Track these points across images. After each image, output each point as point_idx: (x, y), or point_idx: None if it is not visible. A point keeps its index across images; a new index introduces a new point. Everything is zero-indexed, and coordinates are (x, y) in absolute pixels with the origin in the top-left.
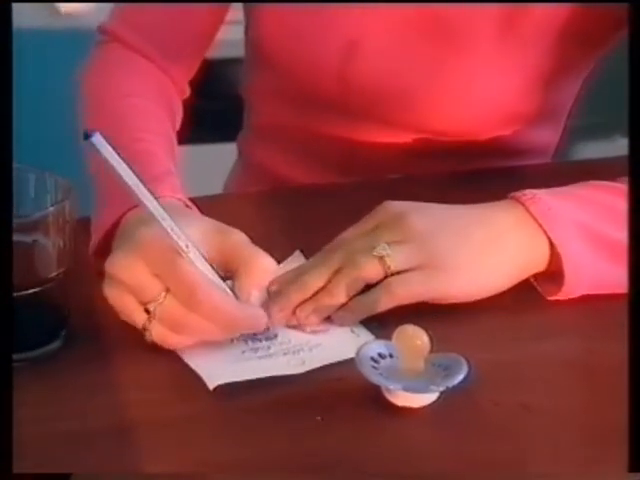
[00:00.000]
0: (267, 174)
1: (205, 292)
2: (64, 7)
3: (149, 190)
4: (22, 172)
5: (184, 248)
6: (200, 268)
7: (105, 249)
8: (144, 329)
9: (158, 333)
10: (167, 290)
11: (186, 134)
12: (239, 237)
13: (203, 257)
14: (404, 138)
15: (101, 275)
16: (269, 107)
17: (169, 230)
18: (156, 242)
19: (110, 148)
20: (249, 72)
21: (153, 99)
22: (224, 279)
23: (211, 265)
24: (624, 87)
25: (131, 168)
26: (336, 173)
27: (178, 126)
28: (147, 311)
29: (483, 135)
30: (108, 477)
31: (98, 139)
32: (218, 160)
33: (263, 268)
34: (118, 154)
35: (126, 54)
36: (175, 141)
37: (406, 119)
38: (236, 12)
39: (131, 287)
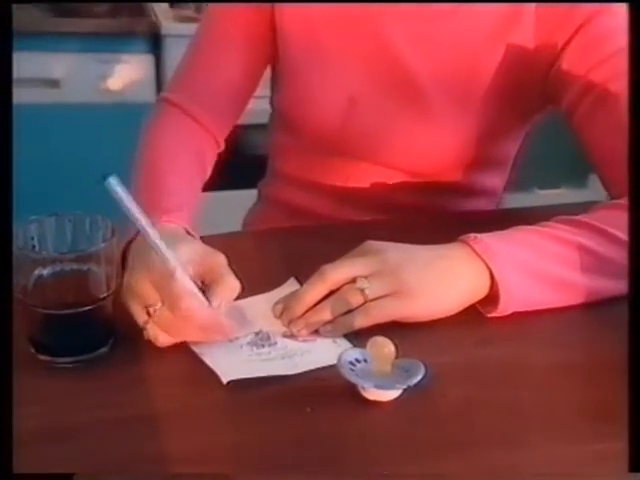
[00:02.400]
0: (279, 208)
1: (186, 303)
2: (112, 83)
3: (152, 227)
4: (79, 216)
5: (170, 267)
6: (185, 285)
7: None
8: (144, 326)
9: (152, 331)
10: (162, 301)
11: (222, 182)
12: (220, 259)
13: (188, 276)
14: (383, 174)
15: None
16: (284, 157)
17: (162, 256)
18: (160, 265)
19: (121, 190)
20: (273, 132)
21: (189, 155)
22: (204, 292)
23: (194, 282)
24: (541, 149)
25: (139, 210)
26: (335, 201)
27: (209, 174)
28: (148, 313)
29: (443, 176)
30: (111, 477)
31: (112, 182)
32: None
33: (230, 286)
34: (128, 196)
35: (178, 116)
36: (198, 189)
37: (385, 160)
38: (262, 89)
39: (138, 294)
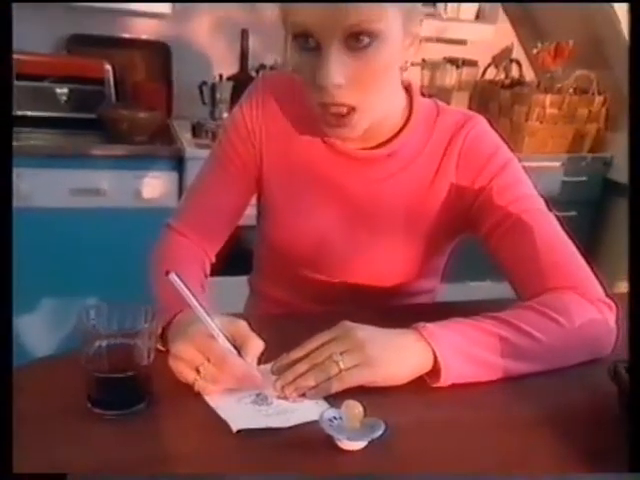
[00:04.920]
0: (267, 300)
1: (229, 360)
2: (145, 193)
3: (201, 305)
4: (127, 304)
5: (216, 335)
6: (225, 346)
7: (162, 335)
8: (194, 383)
9: (202, 385)
10: (208, 360)
11: (222, 269)
12: (242, 324)
13: (227, 340)
14: (347, 282)
15: (163, 350)
16: (268, 262)
17: (209, 326)
18: (200, 333)
19: (180, 281)
20: (258, 242)
21: (192, 265)
22: (238, 351)
23: (232, 344)
24: (471, 250)
25: (191, 292)
26: (311, 301)
27: (207, 278)
28: (197, 372)
29: (393, 283)
30: (104, 477)
31: (173, 276)
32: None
33: (256, 345)
34: (185, 285)
35: (178, 239)
36: (205, 284)
37: (349, 272)
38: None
39: (186, 359)
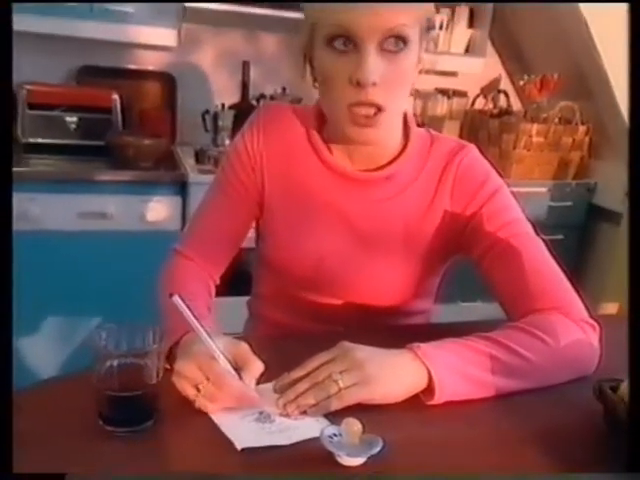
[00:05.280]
0: (266, 323)
1: (227, 380)
2: (150, 217)
3: (202, 326)
4: (136, 325)
5: (216, 356)
6: (226, 367)
7: (170, 354)
8: (194, 399)
9: (201, 402)
10: (207, 379)
11: (226, 291)
12: (244, 347)
13: (227, 360)
14: (345, 301)
15: (169, 369)
16: (267, 284)
17: (210, 347)
18: (202, 353)
19: (182, 303)
20: (256, 265)
21: (198, 287)
22: (238, 372)
23: (231, 365)
24: (462, 271)
25: (193, 314)
26: (310, 321)
27: (213, 298)
28: (197, 389)
29: (388, 303)
30: (101, 477)
31: (176, 298)
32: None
33: (256, 367)
34: (187, 306)
35: (185, 262)
36: (211, 304)
37: (345, 293)
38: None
39: (188, 377)
